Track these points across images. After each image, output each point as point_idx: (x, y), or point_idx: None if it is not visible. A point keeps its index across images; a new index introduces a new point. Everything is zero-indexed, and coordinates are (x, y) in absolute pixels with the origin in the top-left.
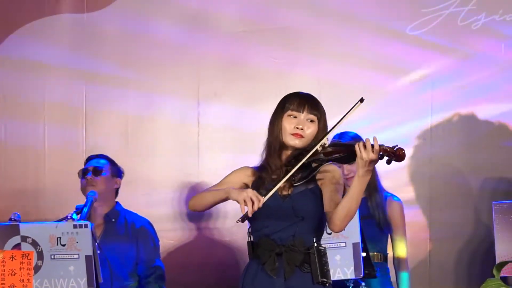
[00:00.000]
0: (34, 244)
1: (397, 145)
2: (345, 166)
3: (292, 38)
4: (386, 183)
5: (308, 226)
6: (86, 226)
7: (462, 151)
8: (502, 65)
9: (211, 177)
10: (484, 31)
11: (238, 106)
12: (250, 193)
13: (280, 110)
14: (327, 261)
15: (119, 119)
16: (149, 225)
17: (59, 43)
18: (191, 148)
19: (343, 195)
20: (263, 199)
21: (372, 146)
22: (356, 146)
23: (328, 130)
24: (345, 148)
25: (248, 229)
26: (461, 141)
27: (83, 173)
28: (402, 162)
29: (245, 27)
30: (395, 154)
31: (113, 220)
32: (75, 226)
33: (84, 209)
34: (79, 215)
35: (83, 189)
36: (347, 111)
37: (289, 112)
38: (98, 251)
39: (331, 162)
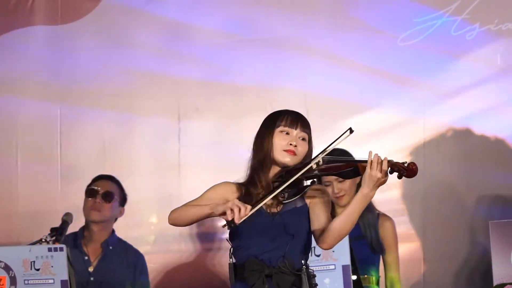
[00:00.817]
0: (7, 268)
1: (406, 162)
2: (335, 184)
3: (277, 50)
4: (377, 201)
5: (298, 246)
6: (61, 249)
7: (457, 168)
8: (498, 77)
9: (193, 197)
10: (479, 42)
11: (221, 121)
12: (236, 201)
13: (271, 126)
14: (317, 284)
15: (95, 136)
16: (144, 258)
17: (33, 56)
18: (172, 166)
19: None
20: (250, 208)
21: (382, 163)
22: (368, 162)
23: (318, 154)
24: (346, 164)
25: (230, 250)
26: (456, 157)
27: (91, 193)
28: (395, 179)
29: (227, 39)
30: (407, 169)
31: (111, 247)
32: (49, 250)
33: (59, 232)
34: (54, 238)
35: (87, 210)
36: (333, 140)
37: (281, 128)
38: (92, 278)
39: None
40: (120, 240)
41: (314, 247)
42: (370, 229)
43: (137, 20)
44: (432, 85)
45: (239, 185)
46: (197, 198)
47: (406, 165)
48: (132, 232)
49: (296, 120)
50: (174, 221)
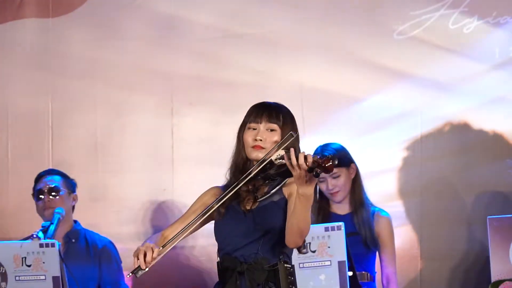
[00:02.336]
0: None
1: (329, 156)
2: (329, 180)
3: (272, 43)
4: (374, 197)
5: (273, 241)
6: (53, 245)
7: (454, 163)
8: (497, 71)
9: (186, 193)
10: (477, 35)
11: (215, 116)
12: (143, 246)
13: (242, 124)
14: (295, 280)
15: (87, 132)
16: (111, 245)
17: (23, 50)
18: (165, 162)
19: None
20: (158, 251)
21: (297, 159)
22: (288, 160)
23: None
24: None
25: (218, 249)
26: (453, 152)
27: (38, 194)
28: (391, 175)
29: (221, 32)
30: (322, 166)
31: (73, 240)
32: (41, 245)
33: (50, 227)
34: (45, 234)
35: (41, 211)
36: (278, 143)
37: (248, 124)
38: (66, 272)
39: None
40: (82, 232)
41: (310, 243)
42: (364, 226)
43: (129, 13)
44: (429, 78)
45: (221, 189)
46: (186, 212)
47: (323, 159)
48: (124, 228)
49: (261, 112)
50: None
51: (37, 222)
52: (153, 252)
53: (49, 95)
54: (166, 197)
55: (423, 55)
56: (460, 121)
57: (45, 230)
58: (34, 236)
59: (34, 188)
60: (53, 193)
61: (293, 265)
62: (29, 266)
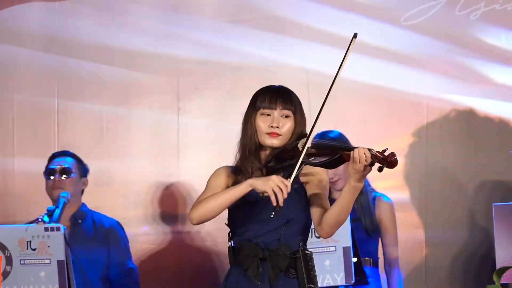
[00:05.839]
0: (3, 248)
1: (386, 149)
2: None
3: (279, 28)
4: (378, 184)
5: (294, 229)
6: (58, 229)
7: (460, 150)
8: (503, 58)
9: (192, 178)
10: (484, 21)
11: (221, 101)
12: (276, 180)
13: (251, 109)
14: (314, 266)
15: (93, 116)
16: (119, 225)
17: (29, 33)
18: (171, 146)
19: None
20: (289, 183)
21: (364, 157)
22: (352, 154)
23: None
24: (330, 152)
25: (228, 234)
26: (459, 139)
27: (49, 173)
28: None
29: (228, 16)
30: (387, 161)
31: (80, 221)
32: (46, 229)
33: (56, 211)
34: (50, 218)
35: (49, 190)
36: (343, 56)
37: (262, 110)
38: (71, 256)
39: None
40: (88, 213)
41: (314, 229)
42: (364, 213)
43: None
44: (436, 65)
45: (232, 169)
46: (205, 191)
47: (386, 154)
48: (130, 213)
49: (275, 98)
50: (201, 218)
51: (43, 206)
52: (286, 188)
53: (55, 79)
54: (172, 181)
55: (429, 41)
56: (466, 108)
57: (50, 214)
58: (39, 220)
59: (46, 167)
60: (64, 174)
61: (312, 252)
62: (34, 250)
